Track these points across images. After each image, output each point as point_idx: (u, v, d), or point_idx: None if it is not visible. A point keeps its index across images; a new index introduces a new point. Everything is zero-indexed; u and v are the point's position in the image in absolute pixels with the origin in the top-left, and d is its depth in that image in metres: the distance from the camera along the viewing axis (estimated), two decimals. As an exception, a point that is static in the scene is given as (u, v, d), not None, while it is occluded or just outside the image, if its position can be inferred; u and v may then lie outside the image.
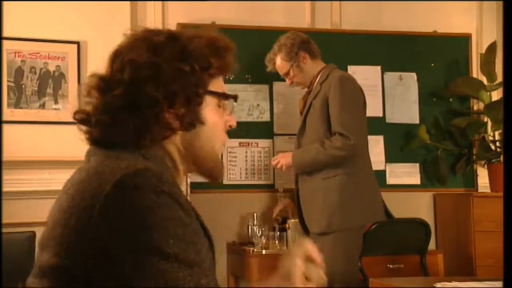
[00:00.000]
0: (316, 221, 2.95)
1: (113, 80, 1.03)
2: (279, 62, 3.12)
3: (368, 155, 3.06)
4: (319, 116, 2.96)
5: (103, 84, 1.04)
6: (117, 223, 0.88)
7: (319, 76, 3.05)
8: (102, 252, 0.88)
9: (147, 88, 1.01)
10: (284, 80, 3.34)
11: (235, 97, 1.15)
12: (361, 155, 2.94)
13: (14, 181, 3.11)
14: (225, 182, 3.49)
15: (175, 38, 1.07)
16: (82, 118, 1.05)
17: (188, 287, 0.89)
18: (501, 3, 3.84)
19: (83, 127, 1.05)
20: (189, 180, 3.08)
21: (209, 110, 1.09)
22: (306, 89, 3.14)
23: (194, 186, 3.20)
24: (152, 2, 3.49)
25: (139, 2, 3.47)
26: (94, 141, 1.04)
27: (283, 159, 3.08)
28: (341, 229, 2.87)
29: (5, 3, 3.12)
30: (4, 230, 2.82)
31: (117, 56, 1.06)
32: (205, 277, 0.92)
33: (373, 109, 3.65)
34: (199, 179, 3.68)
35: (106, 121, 1.02)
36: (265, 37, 3.55)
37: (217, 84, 1.12)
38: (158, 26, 3.96)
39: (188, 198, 1.01)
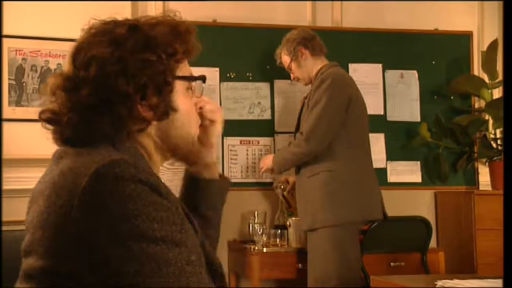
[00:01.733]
0: (304, 218, 2.97)
1: (79, 78, 1.01)
2: (282, 56, 3.17)
3: (360, 151, 3.00)
4: (307, 119, 2.99)
5: (68, 83, 1.01)
6: (99, 215, 0.88)
7: (318, 74, 3.05)
8: (88, 246, 0.87)
9: (117, 84, 0.99)
10: (285, 78, 3.34)
11: (202, 78, 1.14)
12: (342, 152, 2.91)
13: (15, 179, 3.12)
14: (226, 180, 3.49)
15: (136, 28, 1.05)
16: (49, 118, 1.03)
17: (180, 265, 0.89)
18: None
19: (50, 127, 1.03)
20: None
21: (180, 96, 1.08)
22: (309, 87, 3.13)
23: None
24: (153, 1, 3.49)
25: (139, 1, 3.47)
26: (65, 140, 1.02)
27: (263, 162, 3.23)
28: (326, 225, 2.86)
29: (5, 3, 3.12)
30: (4, 228, 2.82)
31: (79, 52, 1.03)
32: (193, 254, 0.93)
33: (374, 107, 3.65)
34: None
35: (77, 120, 0.99)
36: (266, 35, 3.56)
37: (184, 69, 1.10)
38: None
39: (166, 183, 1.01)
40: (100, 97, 0.99)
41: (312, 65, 3.08)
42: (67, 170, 0.94)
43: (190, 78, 1.11)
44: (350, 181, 2.91)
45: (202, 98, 1.16)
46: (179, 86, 1.08)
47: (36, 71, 3.28)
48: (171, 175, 3.04)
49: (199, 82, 1.13)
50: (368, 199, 2.94)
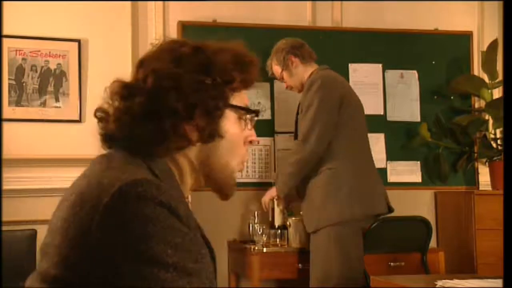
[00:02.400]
0: (308, 220, 2.97)
1: (136, 88, 1.04)
2: (273, 67, 3.19)
3: (359, 148, 3.02)
4: (302, 124, 2.99)
5: (126, 91, 1.05)
6: (116, 234, 0.88)
7: (306, 85, 3.07)
8: (101, 263, 0.88)
9: (168, 98, 1.02)
10: (285, 78, 3.34)
11: (256, 112, 1.15)
12: (341, 151, 2.93)
13: (15, 179, 3.12)
14: (226, 180, 3.49)
15: (200, 50, 1.08)
16: (101, 116, 1.06)
17: None
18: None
19: (101, 124, 1.06)
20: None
21: (229, 123, 1.09)
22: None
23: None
24: (153, 1, 3.49)
25: (140, 0, 3.47)
26: (110, 137, 1.05)
27: (266, 196, 3.17)
28: (329, 223, 2.86)
29: (5, 3, 3.12)
30: (5, 228, 2.82)
31: (142, 65, 1.07)
32: (206, 285, 0.93)
33: (374, 107, 3.65)
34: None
35: (126, 121, 1.02)
36: (266, 35, 3.56)
37: (239, 98, 1.11)
38: (159, 24, 3.94)
39: (190, 205, 1.01)
40: (149, 108, 1.02)
41: (303, 72, 3.11)
42: (94, 183, 0.95)
43: (243, 109, 1.11)
44: (350, 178, 2.92)
45: (253, 132, 1.16)
46: (231, 115, 1.09)
47: (36, 71, 3.28)
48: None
49: (252, 115, 1.14)
50: (371, 194, 2.96)
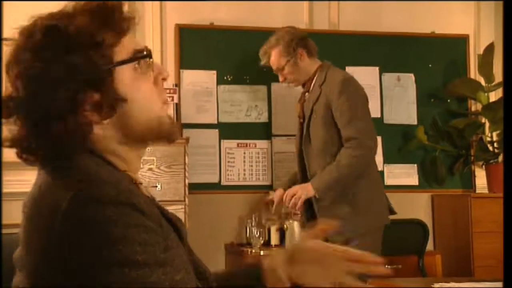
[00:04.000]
0: (351, 223, 2.67)
1: (14, 101, 0.95)
2: (275, 57, 2.96)
3: None
4: (323, 123, 2.80)
5: (7, 109, 0.96)
6: (81, 240, 0.85)
7: (316, 77, 2.91)
8: (71, 272, 0.85)
9: (45, 102, 0.93)
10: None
11: (147, 52, 1.02)
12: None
13: (13, 182, 3.11)
14: (223, 183, 3.49)
15: (52, 31, 0.95)
16: (10, 146, 0.99)
17: (164, 287, 0.88)
18: (499, 3, 3.85)
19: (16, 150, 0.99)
20: (187, 181, 3.07)
21: (127, 81, 0.98)
22: (304, 92, 2.98)
23: (192, 187, 3.20)
24: (150, 2, 3.49)
25: (136, 2, 3.47)
26: (27, 156, 0.98)
27: (301, 190, 2.76)
28: (377, 226, 2.74)
29: (5, 3, 3.11)
30: (4, 231, 2.81)
31: (7, 72, 0.97)
32: (178, 273, 0.91)
33: (371, 110, 3.63)
34: (197, 180, 3.65)
35: (35, 144, 0.95)
36: (263, 38, 3.55)
37: (125, 47, 0.99)
38: (157, 27, 3.94)
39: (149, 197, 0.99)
40: (35, 118, 0.94)
41: (309, 66, 2.93)
42: (46, 189, 0.92)
43: (131, 60, 0.99)
44: (380, 183, 2.89)
45: (159, 67, 1.04)
46: (123, 71, 0.98)
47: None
48: (168, 178, 3.04)
49: (146, 58, 1.01)
50: (386, 199, 2.88)
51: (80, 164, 0.94)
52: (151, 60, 1.02)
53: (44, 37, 0.95)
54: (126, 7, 1.03)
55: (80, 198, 0.87)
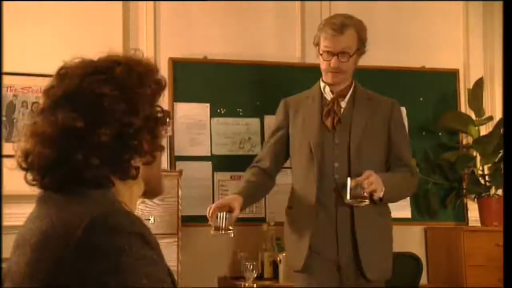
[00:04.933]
0: (376, 265, 2.47)
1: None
2: (350, 36, 2.47)
3: None
4: (377, 143, 2.49)
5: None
6: (91, 266, 0.88)
7: (353, 87, 2.56)
8: None
9: (104, 132, 0.99)
10: (275, 114, 3.36)
11: (167, 114, 1.13)
12: None
13: (12, 216, 3.07)
14: (216, 215, 3.48)
15: (131, 68, 1.09)
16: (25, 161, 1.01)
17: None
18: (487, 38, 3.93)
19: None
20: (180, 214, 3.06)
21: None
22: (335, 98, 2.55)
23: (185, 220, 3.19)
24: (144, 36, 3.53)
25: (131, 37, 3.51)
26: (45, 185, 1.00)
27: (378, 184, 2.34)
28: (390, 274, 2.54)
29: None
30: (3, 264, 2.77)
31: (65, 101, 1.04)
32: None
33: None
34: (190, 212, 3.64)
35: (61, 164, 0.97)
36: (256, 71, 3.61)
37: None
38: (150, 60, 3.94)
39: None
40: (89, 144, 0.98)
41: (353, 71, 2.57)
42: (58, 221, 0.93)
43: (164, 112, 1.10)
44: None
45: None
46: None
47: (27, 107, 3.29)
48: (161, 211, 3.03)
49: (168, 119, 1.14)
50: None
51: (94, 193, 0.97)
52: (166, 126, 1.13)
53: (124, 72, 1.07)
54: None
55: (95, 226, 0.90)
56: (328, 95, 2.56)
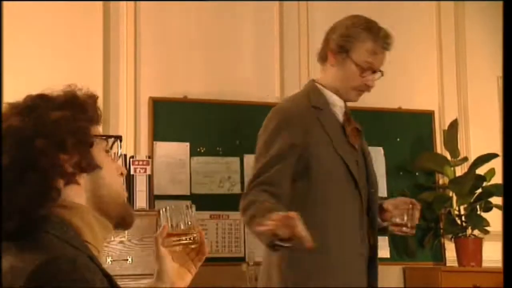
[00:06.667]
0: None
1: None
2: (385, 54, 2.20)
3: None
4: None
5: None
6: None
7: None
8: None
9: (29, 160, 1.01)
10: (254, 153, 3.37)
11: (119, 137, 1.17)
12: None
13: None
14: (194, 255, 3.45)
15: (42, 98, 1.13)
16: None
17: None
18: (461, 80, 4.03)
19: None
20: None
21: (101, 155, 1.11)
22: (348, 117, 2.27)
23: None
24: (125, 75, 3.55)
25: (111, 77, 3.52)
26: None
27: None
28: None
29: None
30: None
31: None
32: None
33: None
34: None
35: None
36: (236, 111, 3.64)
37: (97, 130, 1.14)
38: (131, 99, 3.96)
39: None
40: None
41: None
42: (8, 269, 0.93)
43: (108, 136, 1.14)
44: None
45: (119, 164, 1.17)
46: (98, 145, 1.12)
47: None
48: (139, 251, 2.99)
49: (112, 142, 1.15)
50: None
51: (42, 239, 0.97)
52: (119, 150, 1.17)
53: (33, 101, 1.11)
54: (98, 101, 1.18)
55: (36, 277, 0.89)
56: (340, 111, 2.21)
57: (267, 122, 2.20)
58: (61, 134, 1.04)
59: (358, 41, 2.10)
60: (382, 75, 2.18)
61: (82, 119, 1.09)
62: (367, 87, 2.17)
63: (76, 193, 1.05)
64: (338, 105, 2.20)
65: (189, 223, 1.29)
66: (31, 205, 0.98)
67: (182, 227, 1.30)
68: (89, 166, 1.06)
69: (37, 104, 1.08)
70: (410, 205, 2.10)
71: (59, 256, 0.92)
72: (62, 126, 1.05)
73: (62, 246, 0.97)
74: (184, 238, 1.30)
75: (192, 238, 1.30)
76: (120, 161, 1.18)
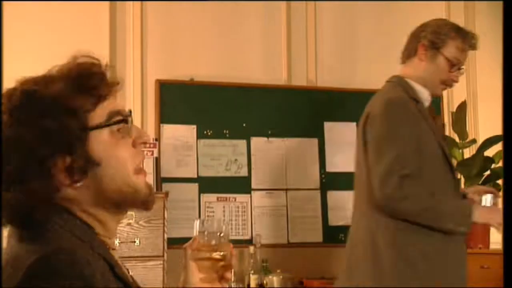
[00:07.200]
0: None
1: None
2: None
3: None
4: None
5: None
6: None
7: None
8: None
9: (16, 163, 0.94)
10: (261, 135, 3.36)
11: (124, 117, 1.03)
12: None
13: None
14: (202, 237, 3.47)
15: (29, 95, 0.98)
16: None
17: None
18: (471, 62, 3.99)
19: None
20: (166, 236, 3.04)
21: (101, 144, 1.00)
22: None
23: (172, 242, 3.16)
24: (131, 58, 3.54)
25: (118, 60, 3.52)
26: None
27: (496, 218, 2.15)
28: None
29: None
30: None
31: None
32: None
33: (349, 165, 3.68)
34: (176, 234, 3.60)
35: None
36: (243, 93, 3.63)
37: (101, 112, 1.01)
38: (137, 82, 3.97)
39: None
40: (4, 180, 0.95)
41: None
42: (10, 260, 0.93)
43: (104, 125, 1.00)
44: None
45: (138, 130, 1.06)
46: (99, 135, 1.00)
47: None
48: (147, 233, 3.01)
49: (121, 123, 1.03)
50: None
51: (46, 231, 0.95)
52: (127, 124, 1.03)
53: (20, 101, 0.97)
54: (107, 72, 1.07)
55: (34, 270, 0.88)
56: (427, 104, 2.33)
57: (382, 112, 2.32)
58: (54, 138, 0.96)
59: (449, 38, 2.25)
60: (463, 73, 2.31)
61: (75, 116, 0.98)
62: (452, 82, 2.30)
63: (80, 192, 1.00)
64: (426, 98, 2.31)
65: (222, 239, 1.25)
66: (36, 197, 0.96)
67: (213, 242, 1.25)
68: (83, 171, 0.98)
69: (25, 107, 0.97)
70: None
71: (58, 251, 0.90)
72: (52, 133, 0.95)
73: (66, 238, 0.95)
74: (214, 253, 1.24)
75: (222, 255, 1.25)
76: (136, 131, 1.05)
